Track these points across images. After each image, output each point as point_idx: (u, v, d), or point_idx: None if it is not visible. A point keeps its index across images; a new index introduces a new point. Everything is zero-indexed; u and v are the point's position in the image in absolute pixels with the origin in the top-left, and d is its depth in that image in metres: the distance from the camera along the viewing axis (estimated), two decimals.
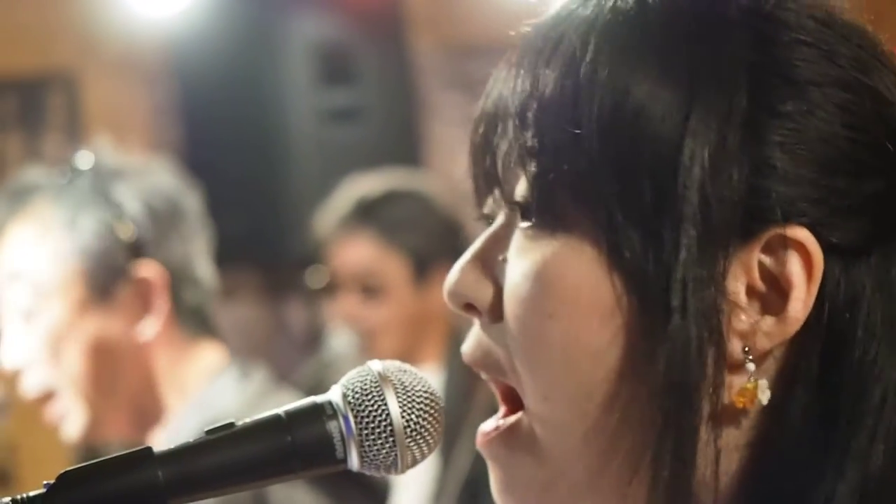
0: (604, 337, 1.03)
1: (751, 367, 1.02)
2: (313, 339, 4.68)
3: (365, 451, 1.10)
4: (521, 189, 1.07)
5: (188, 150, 4.87)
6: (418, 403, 1.11)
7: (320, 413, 1.11)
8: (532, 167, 1.05)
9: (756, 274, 1.02)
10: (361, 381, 1.12)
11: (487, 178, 1.10)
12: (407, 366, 1.14)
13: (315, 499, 2.31)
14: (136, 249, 2.38)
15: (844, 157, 1.02)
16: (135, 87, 5.07)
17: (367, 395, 1.11)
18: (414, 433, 1.11)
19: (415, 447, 1.11)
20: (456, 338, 3.35)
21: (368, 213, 3.61)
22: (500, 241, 1.10)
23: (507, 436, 1.10)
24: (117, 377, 2.39)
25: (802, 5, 1.06)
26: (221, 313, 2.53)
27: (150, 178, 2.45)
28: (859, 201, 1.02)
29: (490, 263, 1.10)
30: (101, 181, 2.39)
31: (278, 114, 4.84)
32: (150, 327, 2.39)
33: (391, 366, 1.13)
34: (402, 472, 1.13)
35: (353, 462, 1.11)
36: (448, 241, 3.62)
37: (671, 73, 1.02)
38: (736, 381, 1.02)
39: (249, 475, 1.11)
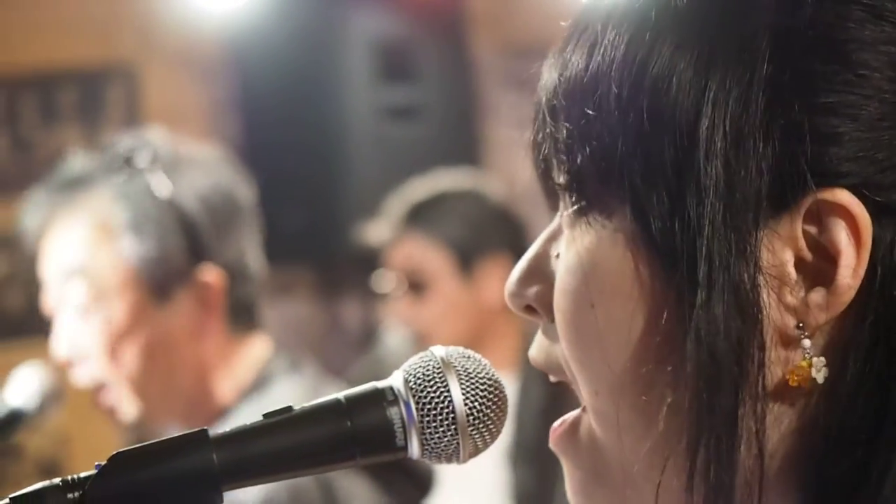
0: (641, 322, 1.00)
1: (806, 343, 0.97)
2: (368, 337, 4.66)
3: (426, 439, 1.07)
4: (560, 179, 1.05)
5: (246, 145, 4.86)
6: (482, 391, 1.08)
7: (381, 399, 1.07)
8: (563, 155, 1.03)
9: (802, 244, 0.97)
10: (424, 367, 1.08)
11: (541, 175, 1.08)
12: (470, 352, 1.11)
13: (371, 488, 2.29)
14: (197, 253, 2.36)
15: (887, 114, 0.97)
16: (194, 82, 5.06)
17: (429, 381, 1.07)
18: (477, 421, 1.08)
19: (477, 436, 1.08)
20: (527, 343, 3.32)
21: (415, 216, 3.62)
22: (555, 238, 1.08)
23: (569, 432, 1.09)
24: (172, 374, 2.38)
25: None
26: (276, 310, 2.52)
27: (208, 172, 2.42)
28: None
29: (546, 262, 1.09)
30: (160, 179, 2.37)
31: (337, 110, 4.82)
32: (208, 327, 2.37)
33: (454, 352, 1.10)
34: (464, 461, 1.09)
35: (414, 450, 1.08)
36: (497, 234, 3.61)
37: (688, 43, 0.99)
38: (791, 359, 0.98)
39: (306, 461, 1.08)
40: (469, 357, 1.09)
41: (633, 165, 0.99)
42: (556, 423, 1.10)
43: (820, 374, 0.97)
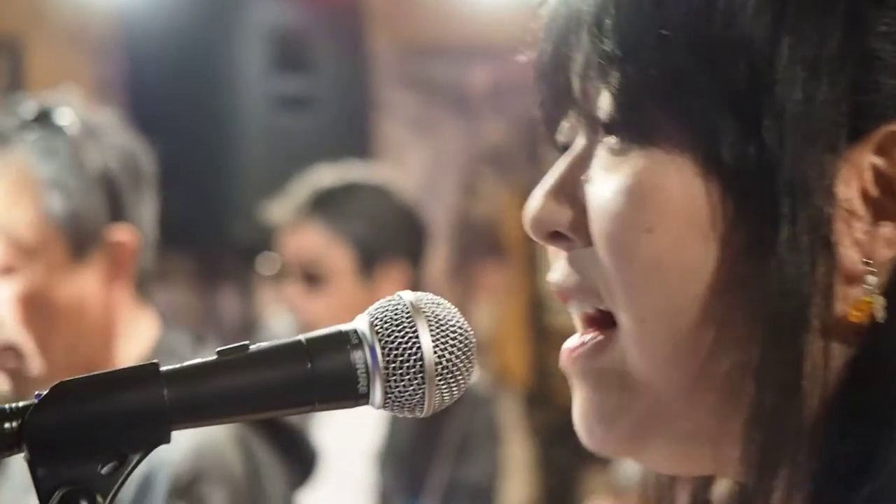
0: (704, 250, 0.96)
1: (871, 279, 0.94)
2: (245, 328, 4.57)
3: (390, 387, 1.01)
4: (604, 104, 0.99)
5: (130, 126, 4.74)
6: (452, 339, 1.02)
7: (344, 341, 1.01)
8: (615, 78, 0.97)
9: (870, 176, 0.95)
10: (392, 311, 1.02)
11: (561, 99, 1.02)
12: (441, 298, 1.05)
13: (277, 464, 2.27)
14: (115, 212, 2.30)
15: None
16: (81, 57, 4.94)
17: (397, 325, 1.01)
18: (445, 371, 1.02)
19: (444, 387, 1.02)
20: None
21: (321, 204, 3.54)
22: (581, 164, 1.01)
23: (593, 354, 1.02)
24: (80, 337, 2.31)
25: None
26: (153, 297, 2.46)
27: (118, 137, 2.37)
28: None
29: (572, 187, 1.01)
30: (80, 137, 2.30)
31: (228, 96, 4.74)
32: (118, 291, 2.30)
33: (424, 297, 1.04)
34: (427, 413, 1.03)
35: (376, 398, 1.01)
36: (402, 240, 3.56)
37: None
38: (852, 294, 0.95)
39: (261, 403, 1.02)
40: (440, 304, 1.04)
41: (703, 92, 0.95)
42: (573, 343, 1.03)
43: (880, 313, 0.94)
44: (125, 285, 2.33)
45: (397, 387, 1.01)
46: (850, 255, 0.94)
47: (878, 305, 0.94)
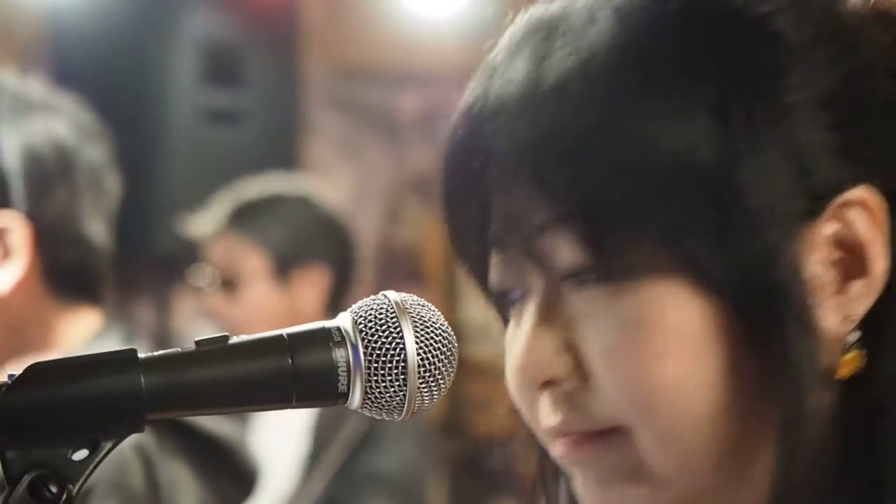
0: (713, 362, 1.00)
1: (853, 336, 1.01)
2: (161, 342, 4.52)
3: (370, 387, 0.99)
4: (566, 254, 1.01)
5: None
6: (436, 342, 1.01)
7: (327, 338, 1.00)
8: (579, 228, 1.00)
9: (831, 245, 1.01)
10: (376, 310, 1.01)
11: (501, 244, 1.05)
12: (424, 300, 1.03)
13: (194, 480, 2.17)
14: (2, 198, 2.15)
15: (879, 112, 1.02)
16: (4, 60, 4.86)
17: (380, 325, 1.00)
18: (427, 374, 1.00)
19: (425, 390, 1.01)
20: None
21: (241, 214, 3.55)
22: (551, 309, 1.04)
23: (613, 449, 1.04)
24: None
25: None
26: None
27: (53, 123, 2.25)
28: None
29: (552, 332, 1.04)
30: None
31: (155, 107, 4.68)
32: (5, 280, 2.18)
33: (409, 297, 1.02)
34: (406, 416, 1.02)
35: (355, 399, 1.00)
36: (320, 245, 3.56)
37: (694, 96, 0.99)
38: (839, 353, 1.01)
39: (239, 396, 1.00)
40: (424, 305, 1.02)
41: (668, 215, 0.99)
42: (571, 440, 1.05)
43: (862, 363, 1.01)
44: (14, 276, 2.17)
45: (378, 388, 0.99)
46: (829, 320, 1.00)
47: (861, 357, 1.01)
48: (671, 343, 1.00)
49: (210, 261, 3.60)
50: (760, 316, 0.99)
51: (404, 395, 1.00)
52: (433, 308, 1.03)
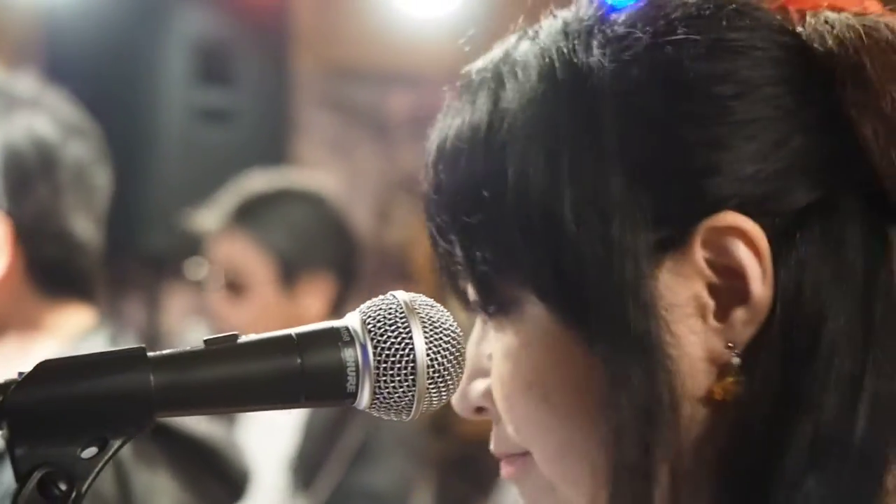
0: (572, 393, 1.04)
1: (736, 361, 1.01)
2: (151, 340, 4.51)
3: (379, 388, 0.99)
4: (469, 293, 1.09)
5: None
6: (445, 343, 1.01)
7: (336, 338, 1.00)
8: (463, 269, 1.08)
9: (708, 272, 1.02)
10: (385, 310, 1.01)
11: (452, 285, 1.12)
12: (432, 300, 1.04)
13: (175, 486, 2.15)
14: None
15: (748, 132, 1.01)
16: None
17: (390, 325, 1.00)
18: (436, 375, 1.00)
19: (434, 391, 1.01)
20: None
21: (248, 212, 3.50)
22: (483, 339, 1.11)
23: (522, 472, 1.11)
24: None
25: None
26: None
27: (35, 119, 2.21)
28: (778, 166, 1.01)
29: (481, 362, 1.11)
30: None
31: (147, 103, 4.67)
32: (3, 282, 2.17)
33: (417, 297, 1.03)
34: (413, 417, 1.02)
35: (364, 399, 1.00)
36: (327, 252, 3.53)
37: (535, 132, 1.03)
38: (719, 375, 1.02)
39: (248, 396, 1.00)
40: (433, 305, 1.03)
41: (522, 259, 1.03)
42: (504, 462, 1.11)
43: (739, 389, 1.01)
44: (9, 276, 2.18)
45: (387, 388, 0.99)
46: (711, 345, 1.01)
47: (739, 382, 1.01)
48: (536, 374, 1.05)
49: (215, 259, 3.55)
50: (605, 346, 1.00)
51: (413, 396, 1.00)
52: (442, 308, 1.03)
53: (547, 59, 1.05)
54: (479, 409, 1.12)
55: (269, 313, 3.46)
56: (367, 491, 3.41)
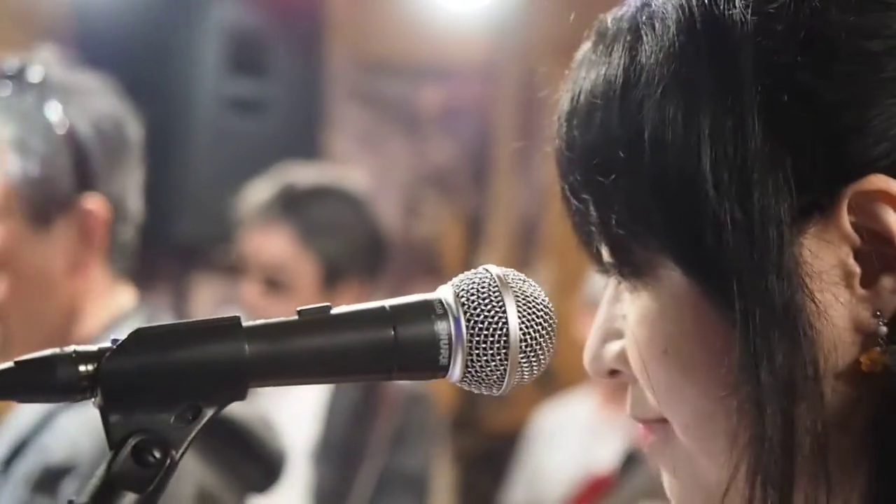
0: (710, 360, 1.00)
1: (883, 330, 0.97)
2: None
3: (472, 361, 0.99)
4: (605, 255, 1.06)
5: None
6: (538, 317, 1.00)
7: (429, 310, 0.99)
8: (599, 231, 1.05)
9: (856, 238, 0.97)
10: (478, 284, 1.00)
11: (586, 245, 1.09)
12: (524, 276, 1.03)
13: (201, 469, 2.15)
14: (83, 180, 2.18)
15: (892, 91, 0.97)
16: (29, 44, 4.85)
17: (483, 298, 0.99)
18: (529, 349, 1.00)
19: (526, 365, 1.00)
20: None
21: (293, 207, 3.47)
22: (618, 300, 1.08)
23: (662, 443, 1.08)
24: (42, 307, 2.19)
25: None
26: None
27: (101, 100, 2.24)
28: None
29: (613, 324, 1.08)
30: (51, 98, 2.20)
31: (179, 92, 4.67)
32: (87, 262, 2.21)
33: (510, 272, 1.02)
34: (505, 392, 1.01)
35: (456, 372, 1.00)
36: (367, 259, 3.52)
37: (673, 89, 0.99)
38: (866, 345, 0.98)
39: (341, 366, 0.99)
40: (525, 280, 1.02)
41: (658, 223, 1.00)
42: (644, 427, 1.09)
43: (889, 357, 0.97)
44: (94, 260, 2.20)
45: (479, 361, 0.99)
46: (859, 313, 0.97)
47: (891, 354, 0.97)
48: (671, 340, 1.02)
49: (256, 250, 3.53)
50: (745, 316, 0.97)
51: (505, 370, 0.99)
52: (534, 283, 1.02)
53: (687, 11, 1.00)
54: (613, 372, 1.09)
55: None
56: (400, 474, 3.42)
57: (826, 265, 0.97)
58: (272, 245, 3.49)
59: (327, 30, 5.00)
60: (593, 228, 1.05)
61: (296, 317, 0.98)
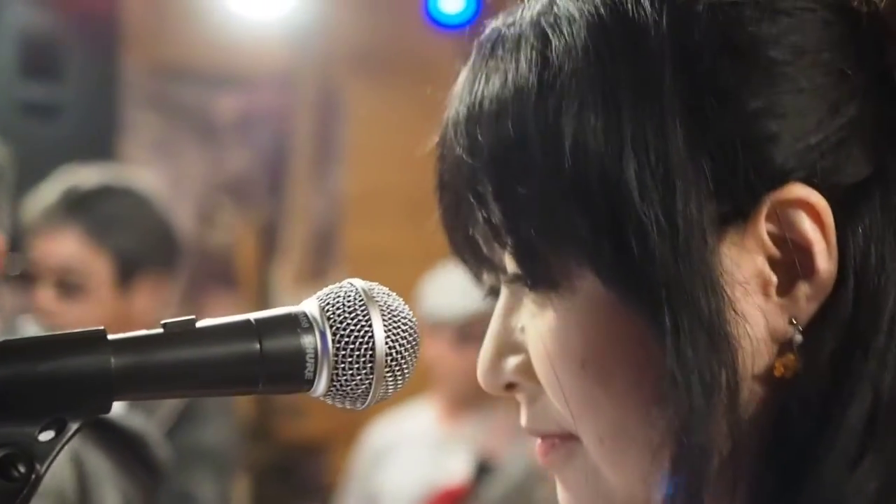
0: (629, 371, 1.00)
1: (798, 338, 0.98)
2: None
3: (337, 375, 0.99)
4: (508, 262, 1.04)
5: None
6: (403, 331, 1.01)
7: (295, 324, 0.99)
8: (505, 238, 1.02)
9: (771, 246, 0.98)
10: (344, 298, 1.00)
11: (472, 253, 1.08)
12: (388, 289, 1.03)
13: (113, 470, 2.18)
14: None
15: (808, 102, 0.98)
16: None
17: (349, 312, 0.99)
18: (394, 363, 1.00)
19: (391, 380, 1.01)
20: None
21: (78, 207, 3.40)
22: (511, 313, 1.07)
23: (564, 457, 1.07)
24: None
25: None
26: None
27: None
28: (839, 136, 0.98)
29: (512, 336, 1.07)
30: None
31: None
32: None
33: (374, 286, 1.02)
34: (369, 405, 1.02)
35: (321, 386, 0.99)
36: (161, 251, 3.47)
37: (592, 95, 0.98)
38: (780, 351, 0.99)
39: (207, 380, 0.98)
40: (390, 294, 1.02)
41: (580, 231, 0.98)
42: (543, 443, 1.07)
43: (801, 363, 0.99)
44: None
45: (344, 375, 0.99)
46: (774, 321, 0.98)
47: (799, 359, 0.99)
48: (588, 351, 1.01)
49: (42, 255, 3.45)
50: (666, 324, 0.96)
51: (370, 384, 1.00)
52: (397, 297, 1.03)
53: (595, 13, 0.99)
54: (510, 386, 1.07)
55: (102, 314, 3.38)
56: (194, 446, 3.37)
57: (744, 274, 0.98)
58: (61, 248, 3.41)
59: (123, 35, 4.93)
60: (501, 238, 1.02)
61: (160, 330, 0.97)
